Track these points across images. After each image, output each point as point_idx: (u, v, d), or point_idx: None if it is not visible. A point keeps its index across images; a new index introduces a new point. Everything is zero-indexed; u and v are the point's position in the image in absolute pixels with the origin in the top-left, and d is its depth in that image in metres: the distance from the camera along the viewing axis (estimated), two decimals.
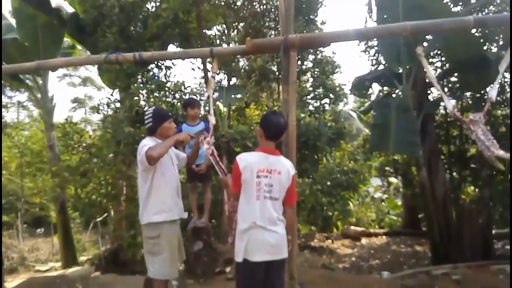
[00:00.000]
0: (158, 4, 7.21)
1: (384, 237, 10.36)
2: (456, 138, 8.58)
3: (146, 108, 6.17)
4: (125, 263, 5.99)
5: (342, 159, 9.91)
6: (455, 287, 3.93)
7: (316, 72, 7.65)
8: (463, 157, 8.45)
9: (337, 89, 7.66)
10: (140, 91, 6.42)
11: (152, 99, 6.23)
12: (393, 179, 13.08)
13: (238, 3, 7.30)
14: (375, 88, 9.12)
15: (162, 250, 2.84)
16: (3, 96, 14.16)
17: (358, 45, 8.91)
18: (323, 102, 7.37)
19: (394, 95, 7.68)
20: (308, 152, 5.93)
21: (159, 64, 6.80)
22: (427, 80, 7.67)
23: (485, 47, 7.38)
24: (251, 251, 2.44)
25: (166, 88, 6.35)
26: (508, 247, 8.90)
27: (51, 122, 9.08)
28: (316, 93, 7.29)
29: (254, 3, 7.16)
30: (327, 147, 6.18)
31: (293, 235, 2.68)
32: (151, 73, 6.83)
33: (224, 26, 7.53)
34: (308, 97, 7.37)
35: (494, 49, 7.40)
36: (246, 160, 2.53)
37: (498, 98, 8.42)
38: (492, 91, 2.69)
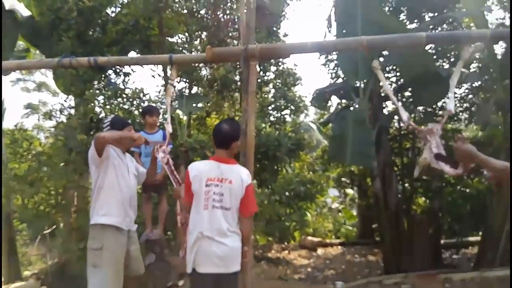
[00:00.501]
0: (118, 9, 7.04)
1: (339, 247, 10.56)
2: (408, 151, 8.95)
3: (102, 116, 5.96)
4: (73, 277, 5.65)
5: (302, 169, 10.07)
6: None
7: (278, 84, 7.74)
8: (414, 169, 8.82)
9: (298, 100, 7.77)
10: (96, 98, 6.19)
11: (108, 106, 6.01)
12: (350, 190, 13.42)
13: (202, 12, 7.26)
14: (334, 100, 9.39)
15: (104, 263, 2.71)
16: None
17: (319, 58, 9.17)
18: (284, 113, 7.45)
19: (352, 108, 7.91)
20: (267, 163, 5.94)
21: (117, 70, 6.60)
22: (382, 94, 7.99)
23: (437, 64, 7.80)
24: (198, 262, 2.38)
25: (124, 95, 6.15)
26: (456, 256, 9.36)
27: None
28: (278, 104, 7.36)
29: (218, 13, 7.15)
30: (286, 157, 6.23)
31: (248, 246, 2.57)
32: (110, 80, 6.61)
33: (187, 34, 7.46)
34: (270, 108, 7.42)
35: (446, 66, 7.82)
36: (197, 169, 2.49)
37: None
38: (450, 104, 2.74)
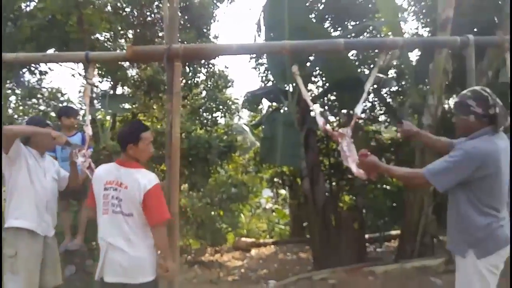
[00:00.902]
0: (33, 3, 6.51)
1: (273, 246, 10.72)
2: (335, 151, 9.38)
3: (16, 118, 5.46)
4: None
5: (236, 171, 10.09)
6: None
7: (209, 85, 7.70)
8: (340, 168, 9.28)
9: (230, 102, 7.79)
10: (8, 98, 5.67)
11: (21, 107, 5.52)
12: (283, 190, 13.74)
13: (127, 9, 6.98)
14: (266, 103, 9.57)
15: (20, 270, 2.54)
16: None
17: (249, 61, 9.29)
18: (215, 115, 7.43)
19: (281, 111, 8.10)
20: (198, 165, 5.86)
21: (32, 68, 6.09)
22: (310, 98, 8.29)
23: (359, 70, 8.29)
24: (105, 270, 2.26)
25: (40, 95, 5.70)
26: (379, 249, 9.98)
27: None
28: (209, 106, 7.31)
29: (145, 11, 6.93)
30: (218, 160, 6.20)
31: (166, 258, 2.36)
32: (22, 78, 6.08)
33: (112, 32, 7.12)
34: (201, 109, 7.35)
35: (367, 71, 8.33)
36: (98, 171, 2.40)
37: (369, 116, 9.54)
38: (357, 108, 2.95)
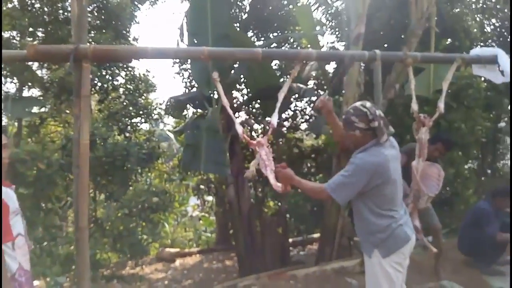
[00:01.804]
0: None
1: (198, 255, 10.55)
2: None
3: None
4: None
5: (160, 179, 9.75)
6: None
7: (129, 89, 7.36)
8: (264, 175, 9.44)
9: (151, 108, 7.52)
10: None
11: None
12: (209, 197, 13.61)
13: (37, 6, 6.43)
14: (190, 109, 9.41)
15: None
16: None
17: (173, 66, 9.09)
18: (135, 120, 7.11)
19: (206, 117, 8.03)
20: (115, 174, 5.54)
21: None
22: (235, 105, 8.35)
23: (281, 79, 8.55)
24: None
25: None
26: (302, 253, 10.31)
27: None
28: (128, 110, 6.97)
29: (56, 8, 6.43)
30: (137, 167, 5.93)
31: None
32: None
33: (18, 30, 6.49)
34: (118, 114, 6.98)
35: None
36: None
37: (291, 124, 9.87)
38: (273, 118, 2.96)
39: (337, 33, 8.35)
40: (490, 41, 7.81)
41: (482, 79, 5.75)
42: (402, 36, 6.76)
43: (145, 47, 2.86)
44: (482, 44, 7.67)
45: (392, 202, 2.34)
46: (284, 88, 3.00)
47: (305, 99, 9.26)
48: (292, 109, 9.54)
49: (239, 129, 2.86)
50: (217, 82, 3.00)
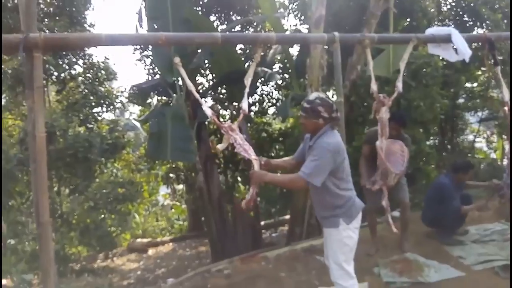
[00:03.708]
0: None
1: (171, 244, 10.52)
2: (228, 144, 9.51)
3: None
4: None
5: (128, 169, 9.54)
6: (224, 281, 4.26)
7: (88, 78, 7.08)
8: (234, 160, 9.47)
9: (113, 96, 7.29)
10: None
11: None
12: (180, 186, 13.51)
13: None
14: (155, 97, 9.22)
15: None
16: None
17: (133, 53, 8.83)
18: (96, 110, 6.87)
19: (171, 105, 7.90)
20: (78, 166, 5.38)
21: None
22: (200, 91, 8.23)
23: (246, 64, 8.49)
24: None
25: None
26: (274, 235, 10.48)
27: None
28: (88, 100, 6.71)
29: None
30: (101, 159, 5.78)
31: None
32: None
33: None
34: (78, 105, 6.72)
35: None
36: None
37: (258, 108, 9.88)
38: (244, 103, 3.00)
39: (300, 16, 8.35)
40: (447, 20, 8.05)
41: (440, 57, 5.93)
42: (364, 18, 6.86)
43: (98, 34, 2.76)
44: (439, 24, 7.91)
45: (349, 177, 2.69)
46: (250, 73, 3.01)
47: (271, 83, 9.28)
48: (259, 93, 9.54)
49: (208, 111, 2.89)
50: (179, 66, 2.96)
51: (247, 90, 3.06)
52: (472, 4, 7.50)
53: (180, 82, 6.99)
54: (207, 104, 6.85)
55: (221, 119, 9.02)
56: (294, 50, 9.05)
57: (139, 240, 10.53)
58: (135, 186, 5.90)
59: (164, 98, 8.66)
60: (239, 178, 10.08)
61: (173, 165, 10.20)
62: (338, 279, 2.65)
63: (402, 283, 3.66)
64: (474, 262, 3.97)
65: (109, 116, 7.96)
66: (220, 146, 2.95)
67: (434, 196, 4.59)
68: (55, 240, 5.30)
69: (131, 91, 8.23)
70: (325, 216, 2.72)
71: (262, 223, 10.09)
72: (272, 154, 9.41)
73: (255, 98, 9.56)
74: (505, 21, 6.96)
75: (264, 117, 10.06)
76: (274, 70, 8.68)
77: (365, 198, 3.92)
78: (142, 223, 12.13)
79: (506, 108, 3.69)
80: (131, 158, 9.74)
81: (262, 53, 8.96)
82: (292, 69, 7.61)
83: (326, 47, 6.27)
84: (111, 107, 6.74)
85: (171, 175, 11.07)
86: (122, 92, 7.77)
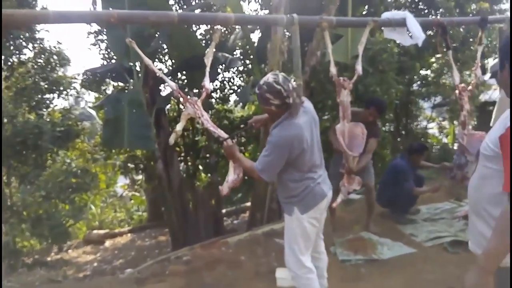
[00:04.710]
0: None
1: (129, 234, 10.28)
2: (188, 131, 9.36)
3: None
4: None
5: (83, 158, 9.14)
6: (184, 268, 4.21)
7: (39, 63, 6.68)
8: (195, 148, 9.33)
9: (65, 83, 6.93)
10: None
11: None
12: (140, 175, 13.18)
13: None
14: (110, 83, 8.87)
15: None
16: None
17: (88, 37, 8.41)
18: (47, 96, 6.51)
19: (127, 90, 7.64)
20: (28, 154, 5.09)
21: None
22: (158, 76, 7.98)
23: (207, 49, 8.31)
24: None
25: None
26: (236, 221, 10.50)
27: None
28: (38, 86, 6.35)
29: None
30: (53, 147, 5.48)
31: None
32: None
33: None
34: (28, 91, 6.33)
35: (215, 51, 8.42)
36: None
37: (220, 95, 9.76)
38: (206, 82, 2.97)
39: (260, 1, 8.29)
40: (403, 8, 8.27)
41: (396, 43, 6.09)
42: (323, 3, 6.90)
43: (46, 10, 2.60)
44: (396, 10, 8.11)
45: (310, 166, 2.46)
46: (209, 53, 2.98)
47: (233, 69, 9.17)
48: (220, 80, 9.41)
49: (172, 84, 2.84)
50: (133, 44, 2.85)
51: (208, 69, 3.02)
52: None
53: (138, 68, 6.76)
54: (167, 77, 6.69)
55: (181, 106, 8.91)
56: (255, 36, 9.00)
57: (95, 231, 10.21)
58: (89, 175, 5.65)
59: (120, 83, 8.34)
60: (200, 167, 9.94)
61: (131, 154, 9.90)
62: (291, 265, 2.57)
63: (356, 261, 3.78)
64: (425, 239, 4.18)
65: (62, 104, 7.59)
66: (178, 127, 2.88)
67: (390, 177, 4.76)
68: (4, 233, 5.01)
69: (85, 77, 7.85)
70: (282, 201, 2.64)
71: (224, 210, 10.08)
72: (234, 141, 9.35)
73: (216, 85, 9.43)
74: (457, 10, 7.26)
75: (225, 104, 9.96)
76: (235, 56, 8.57)
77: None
78: (99, 214, 11.75)
79: (457, 92, 3.87)
80: (86, 147, 9.34)
81: (223, 39, 8.86)
82: (253, 55, 7.55)
83: (287, 33, 6.27)
84: (64, 93, 6.39)
85: (129, 164, 10.76)
86: (75, 78, 7.42)
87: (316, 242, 2.71)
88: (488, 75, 4.05)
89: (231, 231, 8.86)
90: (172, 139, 2.84)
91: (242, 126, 9.67)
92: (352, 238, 4.30)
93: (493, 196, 1.55)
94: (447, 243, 4.00)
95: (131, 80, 6.82)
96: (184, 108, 2.92)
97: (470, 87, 3.88)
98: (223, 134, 2.77)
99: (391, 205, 4.83)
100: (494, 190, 1.54)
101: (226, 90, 9.72)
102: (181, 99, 2.90)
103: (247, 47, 8.48)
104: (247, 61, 8.99)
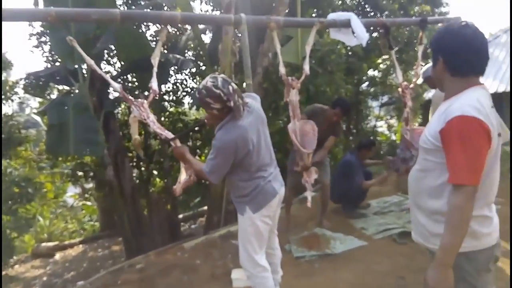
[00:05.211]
0: None
1: (81, 246, 9.81)
2: (141, 135, 9.09)
3: None
4: None
5: (29, 167, 8.59)
6: (137, 276, 4.07)
7: None
8: (148, 152, 9.08)
9: (7, 88, 6.51)
10: None
11: None
12: (90, 184, 12.62)
13: None
14: (54, 87, 8.43)
15: None
16: None
17: (30, 39, 7.93)
18: None
19: (72, 94, 7.28)
20: None
21: None
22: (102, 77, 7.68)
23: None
24: None
25: None
26: (193, 226, 10.33)
27: None
28: None
29: None
30: None
31: None
32: None
33: None
34: None
35: (165, 51, 8.25)
36: None
37: (173, 97, 9.58)
38: (153, 83, 2.88)
39: (210, 2, 8.24)
40: (350, 10, 8.58)
41: (344, 45, 6.28)
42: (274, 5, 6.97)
43: None
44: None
45: (259, 165, 2.44)
46: (156, 53, 2.92)
47: (185, 71, 9.04)
48: (173, 82, 9.25)
49: (116, 85, 2.73)
50: (74, 43, 2.72)
51: (155, 69, 2.95)
52: None
53: (84, 70, 6.46)
54: (109, 78, 6.47)
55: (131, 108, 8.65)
56: (207, 38, 8.92)
57: (44, 244, 9.64)
58: (33, 185, 5.31)
59: (65, 87, 7.94)
60: (154, 172, 9.68)
61: (80, 161, 9.44)
62: (246, 265, 2.56)
63: (311, 256, 3.84)
64: (375, 232, 4.33)
65: (4, 110, 7.11)
66: (133, 133, 2.79)
67: (341, 173, 4.90)
68: None
69: (27, 81, 7.39)
70: (234, 201, 2.61)
71: (181, 215, 9.90)
72: (189, 144, 9.21)
73: (169, 87, 9.25)
74: (401, 12, 7.63)
75: (179, 106, 9.79)
76: (187, 57, 8.45)
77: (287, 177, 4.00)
78: (48, 226, 11.11)
79: (400, 90, 4.05)
80: (31, 155, 8.82)
81: (173, 40, 8.66)
82: (205, 56, 7.49)
83: (238, 34, 6.27)
84: (5, 99, 5.99)
85: (78, 172, 10.27)
86: (17, 83, 6.98)
87: (271, 238, 2.71)
88: (420, 80, 4.28)
89: (188, 236, 8.69)
90: (139, 150, 2.75)
91: (196, 128, 9.55)
92: (306, 235, 4.36)
93: (433, 188, 1.61)
94: (396, 234, 4.17)
95: (77, 84, 6.51)
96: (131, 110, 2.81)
97: (412, 85, 4.07)
98: (169, 134, 2.70)
99: (342, 200, 4.97)
100: (434, 182, 1.60)
101: (179, 93, 9.56)
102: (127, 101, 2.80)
103: (199, 48, 8.40)
104: (200, 63, 8.89)
